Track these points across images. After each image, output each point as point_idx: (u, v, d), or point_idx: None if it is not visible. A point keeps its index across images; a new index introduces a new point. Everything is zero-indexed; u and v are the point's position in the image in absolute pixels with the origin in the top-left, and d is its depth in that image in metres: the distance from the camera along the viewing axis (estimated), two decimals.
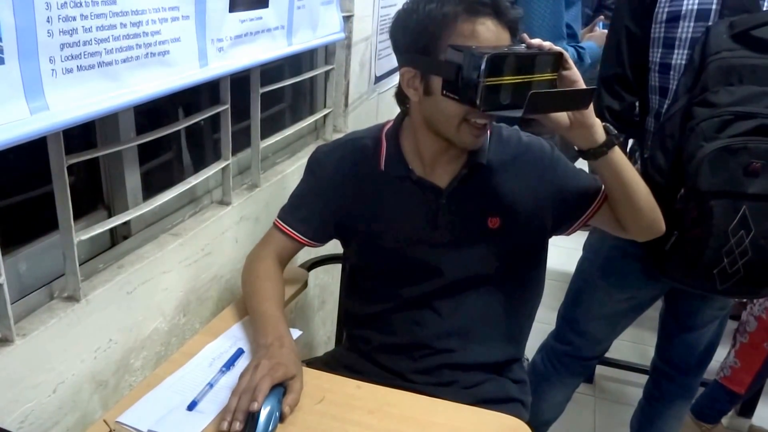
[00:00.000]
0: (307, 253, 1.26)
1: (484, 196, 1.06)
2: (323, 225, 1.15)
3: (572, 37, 1.89)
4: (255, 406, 0.84)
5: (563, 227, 1.11)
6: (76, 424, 0.95)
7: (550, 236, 1.13)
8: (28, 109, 0.72)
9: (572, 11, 1.88)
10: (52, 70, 0.74)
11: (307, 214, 1.15)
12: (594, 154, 0.95)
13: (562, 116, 0.92)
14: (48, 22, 0.72)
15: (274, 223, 1.17)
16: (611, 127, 0.96)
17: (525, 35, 0.92)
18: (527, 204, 1.07)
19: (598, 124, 0.94)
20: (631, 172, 0.99)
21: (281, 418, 0.88)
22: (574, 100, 0.92)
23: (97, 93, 0.82)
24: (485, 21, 0.91)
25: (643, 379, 1.73)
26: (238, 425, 0.84)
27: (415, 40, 0.96)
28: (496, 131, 1.09)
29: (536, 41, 0.91)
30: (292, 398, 0.90)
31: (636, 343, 2.41)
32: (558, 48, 0.91)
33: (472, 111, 0.94)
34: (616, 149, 0.96)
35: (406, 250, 1.09)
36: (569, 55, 1.76)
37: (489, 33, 0.92)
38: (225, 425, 0.84)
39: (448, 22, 0.92)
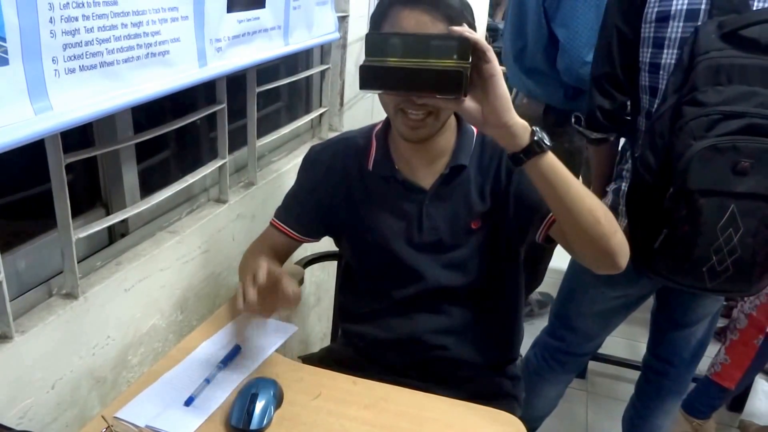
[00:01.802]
0: (304, 250, 1.28)
1: (466, 197, 1.07)
2: (316, 222, 1.17)
3: None
4: (261, 273, 0.88)
5: (529, 234, 1.07)
6: (75, 420, 0.96)
7: (522, 242, 1.11)
8: (33, 110, 0.73)
9: None
10: (55, 70, 0.75)
11: (301, 211, 1.16)
12: (513, 158, 0.87)
13: (474, 110, 0.85)
14: (51, 22, 0.73)
15: (270, 222, 1.18)
16: (542, 135, 0.85)
17: (455, 27, 0.83)
18: (500, 206, 1.07)
19: (518, 126, 0.84)
20: (565, 189, 0.88)
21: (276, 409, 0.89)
22: (434, 83, 0.82)
23: (99, 93, 0.83)
24: (414, 10, 0.92)
25: (636, 375, 1.74)
26: (251, 293, 0.87)
27: (369, 27, 1.00)
28: (481, 133, 1.09)
29: (454, 28, 0.82)
30: (290, 286, 0.92)
31: (628, 339, 2.43)
32: (470, 34, 0.81)
33: (402, 100, 0.95)
34: (546, 161, 0.86)
35: (392, 251, 1.10)
36: None
37: (412, 20, 0.91)
38: (240, 303, 0.88)
39: (384, 12, 0.95)
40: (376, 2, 0.98)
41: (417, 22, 0.91)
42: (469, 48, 0.81)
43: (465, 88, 0.82)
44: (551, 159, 0.87)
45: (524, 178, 1.01)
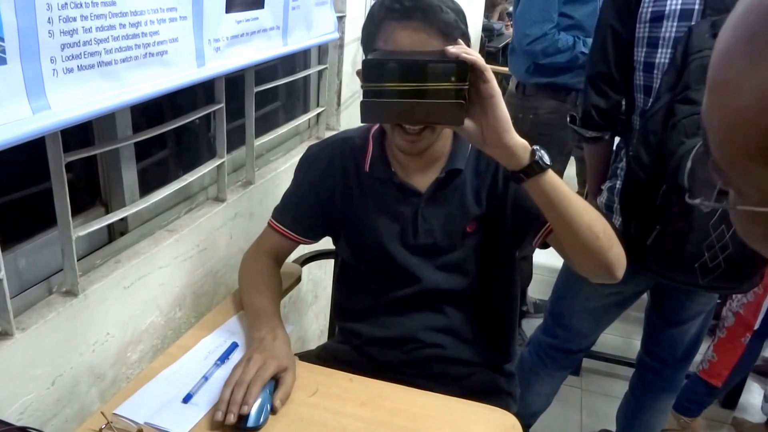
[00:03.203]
0: (301, 249, 1.28)
1: (461, 201, 1.08)
2: (314, 223, 1.17)
3: (579, 28, 2.07)
4: (245, 409, 0.85)
5: (525, 241, 1.08)
6: (75, 416, 0.97)
7: (517, 248, 1.13)
8: (30, 109, 0.74)
9: (585, 8, 2.06)
10: (53, 69, 0.76)
11: (299, 212, 1.16)
12: (513, 177, 0.88)
13: (474, 131, 0.85)
14: (49, 22, 0.74)
15: (268, 223, 1.18)
16: (541, 154, 0.86)
17: (451, 48, 0.82)
18: (497, 211, 1.07)
19: (518, 147, 0.85)
20: (565, 206, 0.89)
21: (273, 411, 0.89)
22: (434, 114, 0.83)
23: (97, 92, 0.84)
24: (407, 26, 0.90)
25: (630, 372, 1.76)
26: (232, 417, 0.85)
27: (361, 38, 1.00)
28: None
29: (452, 48, 0.82)
30: (283, 392, 0.91)
31: (622, 336, 2.44)
32: (467, 56, 0.80)
33: None
34: (546, 180, 0.87)
35: (387, 253, 1.10)
36: (564, 43, 1.83)
37: (407, 38, 0.90)
38: (219, 415, 0.85)
39: (377, 24, 0.94)
40: (372, 8, 0.98)
41: (412, 40, 0.90)
42: (467, 69, 0.81)
43: (464, 116, 0.82)
44: (552, 177, 0.88)
45: (522, 188, 1.03)
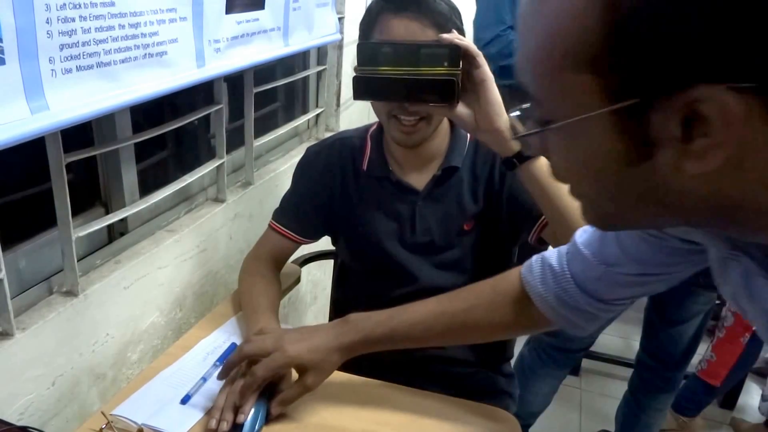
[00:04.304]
0: (300, 249, 1.29)
1: (458, 199, 1.08)
2: (314, 223, 1.17)
3: None
4: (242, 417, 0.84)
5: (521, 237, 1.09)
6: (75, 416, 0.97)
7: (515, 243, 1.13)
8: (29, 109, 0.74)
9: None
10: (52, 70, 0.76)
11: (299, 213, 1.17)
12: (506, 163, 0.89)
13: (467, 116, 0.87)
14: (47, 23, 0.74)
15: (269, 225, 1.19)
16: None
17: (445, 35, 0.85)
18: (493, 208, 1.08)
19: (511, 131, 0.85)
20: (557, 194, 0.88)
21: (269, 417, 0.88)
22: (427, 91, 0.84)
23: (95, 93, 0.84)
24: (403, 17, 0.92)
25: (629, 372, 1.76)
26: (225, 425, 0.83)
27: (359, 33, 1.01)
28: None
29: (444, 35, 0.84)
30: (281, 397, 0.89)
31: (621, 337, 2.45)
32: (459, 41, 0.83)
33: (394, 106, 0.96)
34: (538, 165, 0.87)
35: (386, 251, 1.10)
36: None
37: (402, 27, 0.92)
38: (213, 423, 0.84)
39: (373, 17, 0.96)
40: (369, 3, 1.00)
41: (407, 29, 0.92)
42: (460, 54, 0.83)
43: (457, 95, 0.83)
44: (544, 164, 0.88)
45: (517, 181, 1.03)
